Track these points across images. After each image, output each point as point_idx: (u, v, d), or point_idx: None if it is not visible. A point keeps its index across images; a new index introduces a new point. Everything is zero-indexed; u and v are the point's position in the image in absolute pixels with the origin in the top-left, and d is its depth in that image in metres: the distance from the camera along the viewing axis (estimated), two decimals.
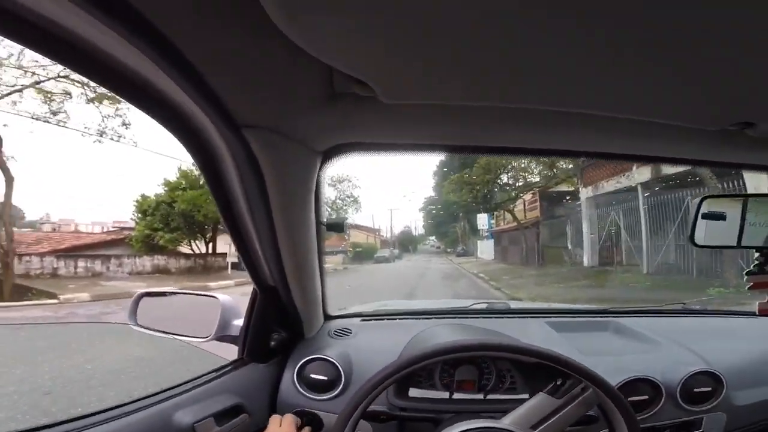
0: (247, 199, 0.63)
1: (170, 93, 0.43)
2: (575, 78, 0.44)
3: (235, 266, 10.21)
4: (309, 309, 0.96)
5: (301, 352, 0.96)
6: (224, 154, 0.55)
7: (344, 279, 11.33)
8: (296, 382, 0.93)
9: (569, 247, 11.57)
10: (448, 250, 48.66)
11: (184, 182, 11.59)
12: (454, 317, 1.27)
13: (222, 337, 0.93)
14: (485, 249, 21.71)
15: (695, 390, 0.96)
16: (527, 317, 1.29)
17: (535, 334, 1.10)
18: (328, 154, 0.68)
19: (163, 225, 11.36)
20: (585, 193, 10.95)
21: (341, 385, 0.93)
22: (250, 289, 0.98)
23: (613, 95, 0.48)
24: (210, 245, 12.58)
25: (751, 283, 0.83)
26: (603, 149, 0.75)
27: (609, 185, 10.10)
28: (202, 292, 1.06)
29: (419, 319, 1.22)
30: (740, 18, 0.31)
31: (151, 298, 1.03)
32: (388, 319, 1.26)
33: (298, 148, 0.62)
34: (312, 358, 0.93)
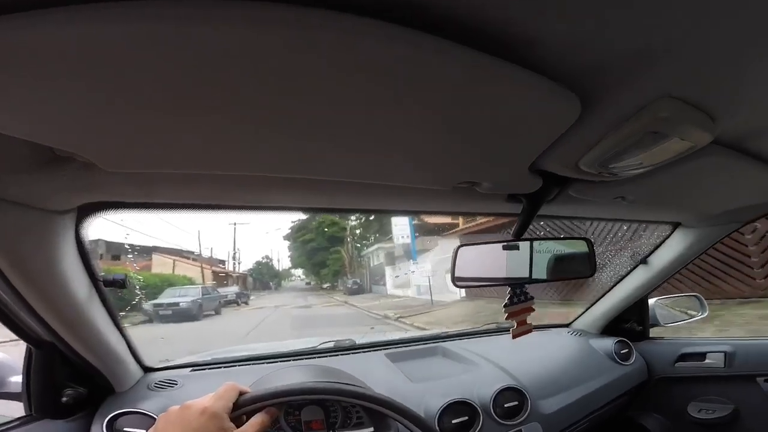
0: None
1: None
2: (313, 152, 0.48)
3: None
4: (110, 364, 0.87)
5: (112, 407, 0.86)
6: None
7: None
8: None
9: None
10: (324, 285, 39.34)
11: None
12: (302, 358, 1.26)
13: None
14: (419, 278, 13.89)
15: (506, 405, 1.09)
16: (369, 351, 1.36)
17: (376, 368, 1.20)
18: (81, 213, 0.63)
19: None
20: None
21: None
22: None
23: (353, 167, 0.55)
24: None
25: (507, 314, 0.96)
26: (358, 206, 0.85)
27: None
28: None
29: (264, 363, 1.18)
30: (448, 101, 0.38)
31: None
32: (224, 366, 1.15)
33: (29, 213, 0.54)
34: (123, 412, 0.83)
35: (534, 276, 0.97)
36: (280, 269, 62.50)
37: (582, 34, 0.33)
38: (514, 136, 0.48)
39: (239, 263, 38.62)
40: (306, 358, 1.26)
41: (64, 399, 0.83)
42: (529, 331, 0.98)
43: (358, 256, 28.42)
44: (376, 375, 1.11)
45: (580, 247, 1.04)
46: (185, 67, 0.30)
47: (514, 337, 0.97)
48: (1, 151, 0.43)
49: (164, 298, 11.09)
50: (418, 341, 1.54)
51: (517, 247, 0.95)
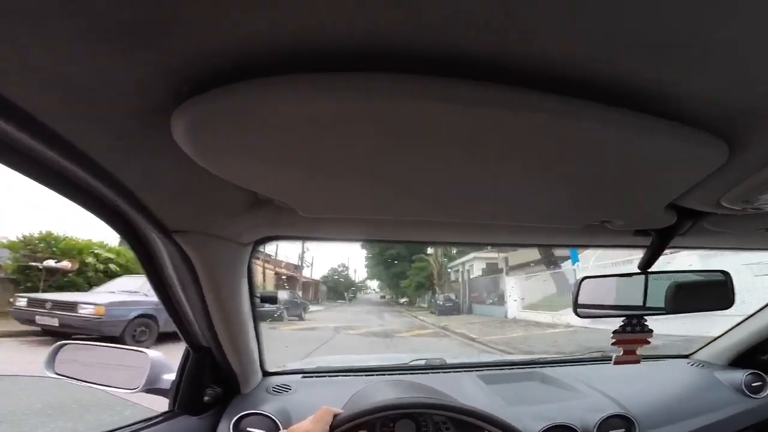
0: (181, 285, 0.72)
1: (112, 201, 0.51)
2: (467, 199, 0.54)
3: None
4: (245, 367, 1.00)
5: (238, 407, 0.97)
6: (160, 249, 0.64)
7: None
8: None
9: None
10: (401, 300, 36.39)
11: None
12: (393, 374, 1.34)
13: (151, 389, 0.94)
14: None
15: None
16: (461, 371, 1.37)
17: (467, 388, 1.21)
18: (257, 244, 0.78)
19: None
20: None
21: None
22: None
23: (499, 211, 0.61)
24: None
25: (614, 340, 0.97)
26: (495, 241, 0.96)
27: None
28: (130, 347, 1.05)
29: (359, 376, 1.29)
30: (589, 154, 0.41)
31: (73, 347, 1.04)
32: (328, 376, 1.28)
33: (227, 244, 0.69)
34: (249, 413, 0.94)
35: (660, 308, 0.97)
36: (357, 280, 57.90)
37: (728, 84, 0.34)
38: (655, 181, 0.50)
39: (310, 267, 34.26)
40: (398, 374, 1.34)
41: (206, 398, 0.95)
42: (636, 361, 0.98)
43: (446, 267, 21.92)
44: (468, 395, 1.12)
45: (716, 278, 1.03)
46: (386, 134, 0.35)
47: (615, 363, 0.99)
48: (223, 198, 0.57)
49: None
50: (513, 365, 1.51)
51: (644, 279, 0.96)
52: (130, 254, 10.14)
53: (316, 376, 1.25)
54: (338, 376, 1.28)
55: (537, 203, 0.57)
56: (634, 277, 0.95)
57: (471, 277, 19.42)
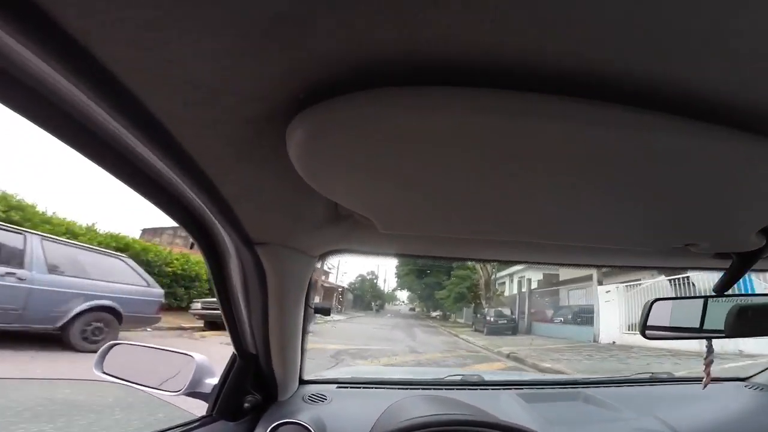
0: (245, 292, 0.76)
1: (201, 213, 0.57)
2: (548, 219, 0.55)
3: None
4: (287, 375, 1.05)
5: (274, 415, 1.01)
6: (233, 258, 0.68)
7: None
8: None
9: None
10: (434, 314, 35.51)
11: None
12: (428, 388, 1.34)
13: (192, 393, 0.97)
14: None
15: None
16: (499, 389, 1.36)
17: (506, 406, 1.20)
18: (324, 256, 0.83)
19: None
20: None
21: None
22: None
23: (580, 231, 0.61)
24: None
25: (705, 366, 1.03)
26: (571, 261, 0.94)
27: None
28: (178, 350, 1.07)
29: (393, 389, 1.29)
30: (682, 173, 0.41)
31: (123, 348, 1.09)
32: (363, 387, 1.31)
33: (300, 257, 0.75)
34: (285, 422, 0.96)
35: (733, 330, 0.97)
36: (386, 290, 54.27)
37: None
38: (755, 205, 0.50)
39: (335, 271, 31.01)
40: (433, 389, 1.34)
41: (246, 404, 0.97)
42: (707, 383, 1.05)
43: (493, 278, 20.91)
44: (508, 413, 1.09)
45: None
46: (493, 151, 0.37)
47: (705, 386, 1.05)
48: (307, 212, 0.60)
49: None
50: (555, 384, 1.49)
51: (717, 302, 0.98)
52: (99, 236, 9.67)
53: (351, 387, 1.29)
54: (373, 388, 1.31)
55: (624, 225, 0.58)
56: (710, 300, 1.00)
57: (526, 289, 16.97)
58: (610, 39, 0.28)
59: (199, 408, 0.97)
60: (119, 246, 9.84)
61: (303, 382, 1.20)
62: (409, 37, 0.28)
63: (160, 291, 6.81)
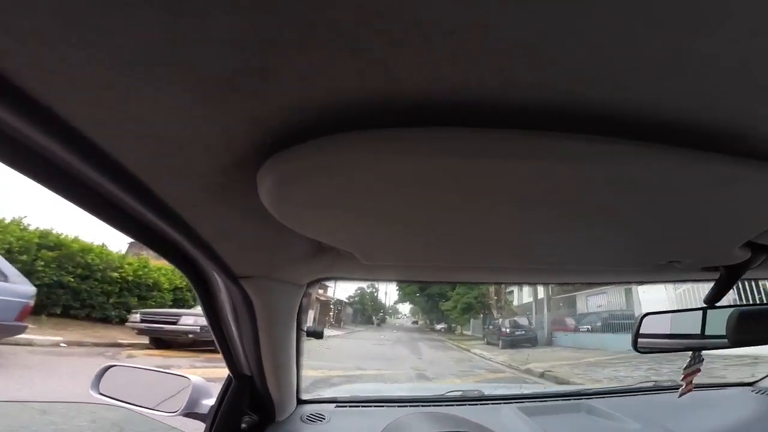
0: (236, 320, 0.80)
1: (187, 249, 0.60)
2: (527, 247, 0.59)
3: None
4: (283, 396, 1.08)
5: None
6: (219, 288, 0.74)
7: None
8: None
9: None
10: (438, 327, 32.44)
11: None
12: (428, 405, 1.37)
13: (190, 414, 1.01)
14: None
15: None
16: (500, 403, 1.39)
17: (508, 420, 1.23)
18: (310, 285, 0.88)
19: None
20: None
21: None
22: None
23: (562, 256, 0.64)
24: None
25: (683, 375, 1.07)
26: (558, 281, 1.03)
27: None
28: (174, 372, 1.14)
29: (392, 407, 1.32)
30: (656, 198, 0.42)
31: (119, 370, 1.13)
32: (361, 406, 1.34)
33: (286, 287, 0.80)
34: None
35: (727, 341, 0.97)
36: (387, 303, 52.22)
37: None
38: (735, 222, 0.52)
39: (332, 285, 28.97)
40: (433, 406, 1.37)
41: (243, 425, 1.00)
42: (690, 390, 1.09)
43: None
44: (509, 428, 1.15)
45: None
46: (472, 189, 0.38)
47: (681, 395, 1.08)
48: (289, 247, 0.64)
49: None
50: (557, 396, 1.54)
51: (706, 314, 1.00)
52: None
53: (349, 406, 1.32)
54: (371, 406, 1.34)
55: (606, 249, 0.60)
56: (701, 312, 1.01)
57: (546, 296, 15.68)
58: (571, 69, 0.29)
59: (197, 430, 1.00)
60: (47, 244, 8.83)
61: (301, 401, 1.23)
62: (369, 80, 0.29)
63: (27, 289, 5.09)
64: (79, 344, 7.04)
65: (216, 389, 0.98)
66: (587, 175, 0.36)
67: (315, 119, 0.32)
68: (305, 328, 0.99)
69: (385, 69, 0.27)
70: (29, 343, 6.23)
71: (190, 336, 7.30)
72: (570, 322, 13.43)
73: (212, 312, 0.78)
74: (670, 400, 1.31)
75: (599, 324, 11.81)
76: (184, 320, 7.51)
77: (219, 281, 0.70)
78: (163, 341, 7.68)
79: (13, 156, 0.34)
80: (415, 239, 0.52)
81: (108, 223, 0.45)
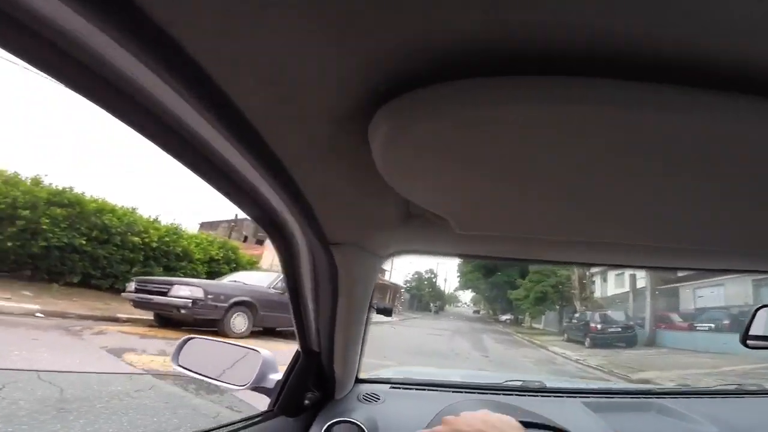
0: (315, 290, 0.80)
1: (277, 212, 0.59)
2: (643, 218, 0.53)
3: None
4: (345, 374, 1.09)
5: (330, 413, 1.05)
6: (304, 257, 0.71)
7: None
8: None
9: None
10: (504, 318, 30.11)
11: None
12: (486, 393, 1.31)
13: (257, 388, 1.04)
14: None
15: None
16: (563, 396, 1.31)
17: (572, 415, 1.14)
18: (389, 256, 0.86)
19: None
20: None
21: None
22: None
23: (681, 231, 0.57)
24: None
25: None
26: (681, 265, 0.98)
27: None
28: (246, 345, 1.14)
29: (448, 391, 1.28)
30: None
31: (196, 343, 1.17)
32: (416, 388, 1.29)
33: (370, 257, 0.78)
34: (341, 420, 0.99)
35: None
36: (447, 290, 50.59)
37: None
38: None
39: (398, 271, 28.67)
40: (491, 393, 1.31)
41: (306, 401, 1.02)
42: None
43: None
44: (574, 423, 1.02)
45: None
46: (590, 144, 0.35)
47: None
48: (381, 213, 0.61)
49: None
50: (626, 394, 1.48)
51: None
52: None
53: (404, 388, 1.29)
54: (426, 389, 1.29)
55: (736, 226, 0.54)
56: None
57: (650, 286, 13.60)
58: (723, 21, 0.26)
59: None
60: (60, 201, 8.06)
61: (358, 380, 1.21)
62: (496, 23, 0.27)
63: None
64: (62, 316, 6.03)
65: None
66: (727, 134, 0.32)
67: (434, 64, 0.30)
68: (374, 305, 0.99)
69: (514, 12, 0.26)
70: None
71: (183, 311, 5.92)
72: (673, 318, 11.93)
73: (294, 282, 0.79)
74: (753, 405, 1.26)
75: (726, 322, 10.07)
76: (176, 290, 6.06)
77: (303, 248, 0.68)
78: (170, 321, 6.33)
79: (114, 96, 0.32)
80: (519, 204, 0.48)
81: (205, 178, 0.45)
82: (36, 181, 8.23)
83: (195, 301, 6.05)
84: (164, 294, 6.14)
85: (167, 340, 5.46)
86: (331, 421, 0.95)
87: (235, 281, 7.59)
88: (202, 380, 1.06)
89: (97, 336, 5.44)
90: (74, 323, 5.88)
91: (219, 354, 1.12)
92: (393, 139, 0.35)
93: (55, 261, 7.96)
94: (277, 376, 1.01)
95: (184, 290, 6.04)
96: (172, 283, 6.29)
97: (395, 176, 0.43)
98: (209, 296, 6.19)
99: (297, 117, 0.37)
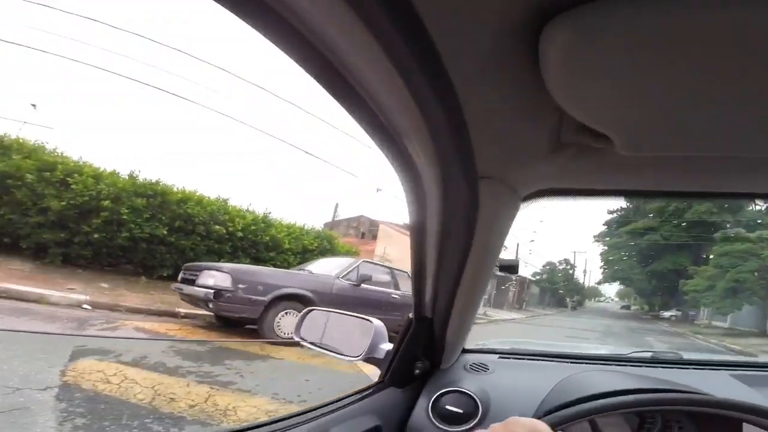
0: (440, 242, 0.77)
1: (416, 144, 0.54)
2: None
3: None
4: (456, 341, 1.11)
5: (438, 383, 1.08)
6: (435, 200, 0.67)
7: None
8: (429, 412, 1.01)
9: None
10: (667, 314, 24.59)
11: None
12: (609, 364, 1.27)
13: (368, 358, 1.11)
14: None
15: None
16: (705, 369, 1.28)
17: (723, 389, 1.06)
18: (526, 199, 0.79)
19: None
20: None
21: (476, 420, 0.98)
22: None
23: None
24: None
25: None
26: None
27: None
28: (360, 315, 1.20)
29: (563, 362, 1.27)
30: None
31: (315, 314, 1.29)
32: (527, 359, 1.30)
33: (511, 196, 0.73)
34: (451, 390, 1.02)
35: None
36: (586, 284, 44.83)
37: None
38: None
39: (525, 264, 26.12)
40: (615, 365, 1.29)
41: (417, 371, 1.07)
42: None
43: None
44: (726, 395, 0.94)
45: None
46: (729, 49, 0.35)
47: None
48: (530, 139, 0.57)
49: None
50: None
51: None
52: None
53: (514, 358, 1.30)
54: (538, 360, 1.30)
55: None
56: None
57: None
58: None
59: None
60: (149, 192, 8.03)
61: (464, 350, 1.24)
62: None
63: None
64: (111, 308, 5.60)
65: None
66: None
67: None
68: (498, 262, 0.92)
69: None
70: (39, 300, 5.33)
71: (210, 305, 4.79)
72: None
73: (420, 234, 0.74)
74: None
75: None
76: (203, 278, 4.93)
77: (434, 188, 0.62)
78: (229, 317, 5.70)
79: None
80: (697, 115, 0.44)
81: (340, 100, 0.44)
82: (132, 177, 8.25)
83: (219, 291, 4.79)
84: (192, 282, 5.12)
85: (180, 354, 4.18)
86: (441, 391, 0.97)
87: (301, 270, 6.41)
88: (320, 351, 1.12)
89: (101, 333, 4.77)
90: (118, 316, 5.43)
91: (335, 324, 1.17)
92: (566, 48, 0.34)
93: (143, 254, 7.92)
94: (387, 346, 1.06)
95: (210, 278, 4.88)
96: (200, 269, 5.25)
97: (562, 88, 0.40)
98: (240, 286, 4.90)
99: (467, 32, 0.35)
